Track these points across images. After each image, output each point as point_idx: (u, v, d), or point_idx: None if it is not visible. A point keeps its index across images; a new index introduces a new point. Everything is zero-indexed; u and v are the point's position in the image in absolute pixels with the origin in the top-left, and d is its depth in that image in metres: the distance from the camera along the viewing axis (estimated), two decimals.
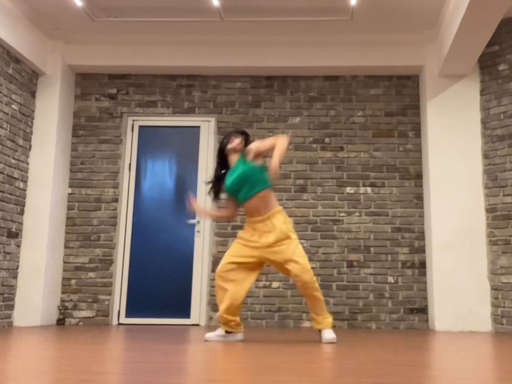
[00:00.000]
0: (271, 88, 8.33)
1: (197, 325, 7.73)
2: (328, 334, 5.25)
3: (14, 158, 7.36)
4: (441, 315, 7.28)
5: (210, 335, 5.39)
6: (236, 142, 5.47)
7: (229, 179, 5.40)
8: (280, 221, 5.29)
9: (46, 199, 7.66)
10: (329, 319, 5.36)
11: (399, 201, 7.94)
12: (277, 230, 5.23)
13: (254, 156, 5.33)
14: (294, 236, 5.30)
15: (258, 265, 5.44)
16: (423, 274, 7.73)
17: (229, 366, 3.33)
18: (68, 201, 8.08)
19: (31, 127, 7.77)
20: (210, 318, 7.65)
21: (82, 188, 8.09)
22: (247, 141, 5.56)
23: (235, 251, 5.42)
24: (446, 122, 7.73)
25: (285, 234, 5.23)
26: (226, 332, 5.38)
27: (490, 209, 7.37)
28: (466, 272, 7.35)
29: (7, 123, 7.20)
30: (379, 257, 7.81)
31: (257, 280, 7.28)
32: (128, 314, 7.85)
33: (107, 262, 7.90)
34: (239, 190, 5.37)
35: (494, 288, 7.20)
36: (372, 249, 7.84)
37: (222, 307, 5.28)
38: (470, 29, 6.68)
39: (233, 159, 5.47)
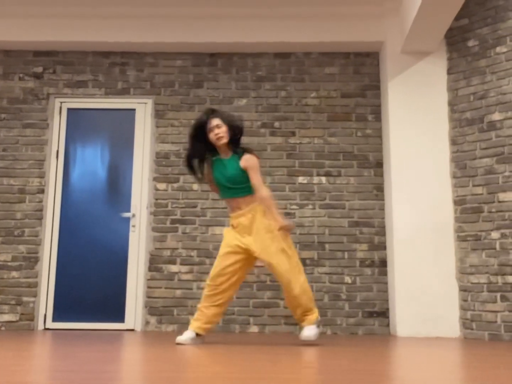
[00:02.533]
0: (215, 67, 7.84)
1: (132, 330, 7.24)
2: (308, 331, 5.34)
3: None
4: (404, 319, 6.87)
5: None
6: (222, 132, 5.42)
7: (223, 174, 5.44)
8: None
9: None
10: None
11: (357, 192, 7.48)
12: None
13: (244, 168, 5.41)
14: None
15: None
16: (384, 273, 7.30)
17: (169, 375, 3.20)
18: None
19: None
20: (147, 323, 7.21)
21: (3, 177, 7.53)
22: (235, 133, 5.50)
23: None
24: (409, 105, 7.29)
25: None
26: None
27: (458, 201, 6.98)
28: (432, 272, 6.94)
29: None
30: (334, 255, 7.34)
31: (199, 280, 7.22)
32: (56, 318, 7.31)
33: (32, 260, 7.36)
34: (228, 187, 5.44)
35: (463, 289, 6.82)
36: (327, 245, 7.37)
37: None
38: (436, 0, 6.31)
39: (221, 149, 5.49)
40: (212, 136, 5.35)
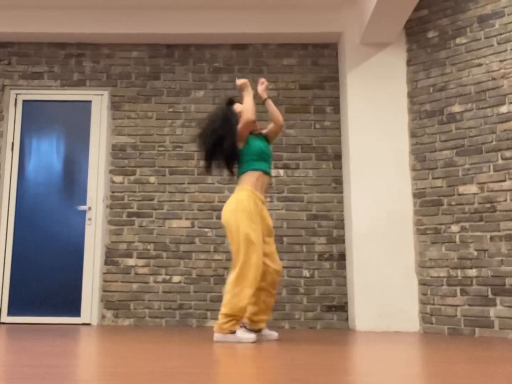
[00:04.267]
0: (172, 58, 7.75)
1: (88, 324, 7.18)
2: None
3: None
4: (363, 313, 6.83)
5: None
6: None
7: (265, 145, 5.36)
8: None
9: None
10: None
11: (315, 185, 7.41)
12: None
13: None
14: None
15: None
16: (343, 267, 7.26)
17: (125, 370, 3.14)
18: None
19: None
20: (103, 317, 7.16)
21: None
22: None
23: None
24: (368, 96, 7.23)
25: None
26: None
27: (417, 194, 6.94)
28: (391, 265, 6.90)
29: None
30: (293, 248, 7.28)
31: (156, 274, 7.18)
32: (11, 312, 7.24)
33: None
34: (266, 159, 5.30)
35: (422, 283, 6.78)
36: (285, 239, 7.29)
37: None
38: None
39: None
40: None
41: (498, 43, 6.46)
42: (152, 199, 7.31)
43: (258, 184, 5.14)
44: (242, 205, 4.98)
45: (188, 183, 7.37)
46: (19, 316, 7.18)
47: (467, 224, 6.44)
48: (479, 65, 6.57)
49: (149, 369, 3.20)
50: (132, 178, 7.37)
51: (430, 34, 6.99)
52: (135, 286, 7.13)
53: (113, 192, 7.34)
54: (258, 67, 7.67)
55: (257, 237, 4.93)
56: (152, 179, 7.33)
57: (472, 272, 6.35)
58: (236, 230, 4.94)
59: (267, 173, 5.23)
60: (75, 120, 7.65)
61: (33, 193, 7.46)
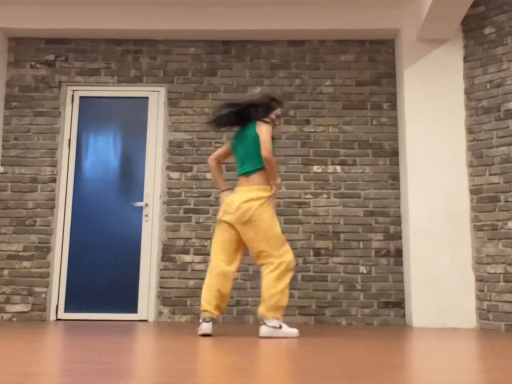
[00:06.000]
0: (229, 54, 7.89)
1: (145, 320, 7.28)
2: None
3: None
4: (420, 310, 6.92)
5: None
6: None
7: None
8: None
9: None
10: None
11: (372, 182, 7.51)
12: None
13: None
14: None
15: None
16: (400, 263, 7.35)
17: (182, 367, 3.17)
18: (0, 181, 7.58)
19: None
20: (160, 313, 7.24)
21: (15, 166, 7.59)
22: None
23: None
24: (425, 93, 7.33)
25: None
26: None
27: (474, 190, 7.02)
28: (448, 262, 6.99)
29: None
30: (349, 245, 7.39)
31: None
32: (68, 308, 7.38)
33: (44, 250, 7.40)
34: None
35: (479, 280, 6.86)
36: (342, 235, 7.41)
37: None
38: None
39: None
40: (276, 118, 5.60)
41: None
42: (209, 196, 7.42)
43: None
44: (269, 202, 5.32)
45: None
46: (76, 313, 7.29)
47: None
48: None
49: (205, 365, 3.27)
50: (189, 174, 7.48)
51: (487, 31, 7.06)
52: (191, 282, 7.23)
53: (170, 188, 7.45)
54: (315, 64, 7.76)
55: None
56: (209, 175, 7.42)
57: None
58: (270, 226, 5.27)
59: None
60: (131, 117, 7.77)
61: (90, 190, 7.57)
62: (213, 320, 5.23)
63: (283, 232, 7.12)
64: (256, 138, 5.33)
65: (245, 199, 5.25)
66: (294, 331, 5.17)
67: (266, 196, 5.29)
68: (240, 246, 5.40)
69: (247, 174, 5.39)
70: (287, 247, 5.27)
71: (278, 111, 5.60)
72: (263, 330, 5.11)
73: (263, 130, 5.25)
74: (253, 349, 4.21)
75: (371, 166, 7.55)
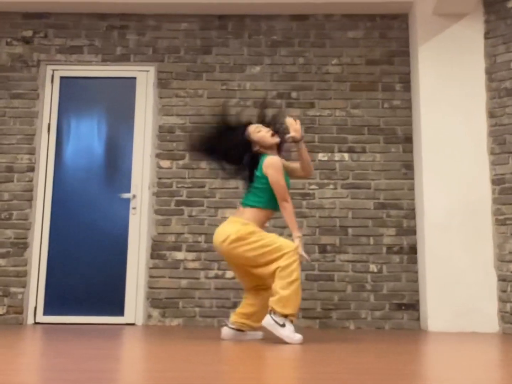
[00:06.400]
0: (225, 30, 7.71)
1: (133, 324, 7.10)
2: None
3: None
4: (436, 312, 6.72)
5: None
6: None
7: (287, 179, 5.37)
8: None
9: None
10: None
11: (383, 171, 7.34)
12: None
13: None
14: None
15: None
16: (414, 261, 7.16)
17: (173, 375, 3.13)
18: None
19: None
20: (149, 316, 7.06)
21: None
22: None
23: None
24: (442, 73, 7.15)
25: None
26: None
27: (496, 181, 6.85)
28: (467, 259, 6.77)
29: None
30: (358, 240, 7.20)
31: (208, 269, 7.14)
32: (47, 311, 7.18)
33: (21, 246, 7.21)
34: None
35: (501, 279, 6.65)
36: (350, 230, 7.22)
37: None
38: None
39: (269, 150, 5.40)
40: (262, 134, 5.31)
41: None
42: (203, 186, 7.21)
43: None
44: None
45: None
46: (56, 316, 7.12)
47: None
48: None
49: (199, 373, 3.19)
50: (181, 163, 7.28)
51: (511, 4, 6.91)
52: (184, 282, 7.03)
53: (160, 178, 7.25)
54: (320, 40, 7.59)
55: None
56: (203, 164, 7.22)
57: None
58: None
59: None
60: (118, 99, 7.61)
61: (72, 180, 7.39)
62: None
63: (284, 227, 7.08)
64: (261, 178, 5.24)
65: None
66: (297, 337, 4.98)
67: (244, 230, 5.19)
68: None
69: (243, 205, 5.37)
70: (284, 248, 5.06)
71: (262, 129, 5.35)
72: (266, 319, 5.01)
73: (269, 171, 5.17)
74: (254, 356, 4.14)
75: (382, 153, 7.38)
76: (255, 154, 5.29)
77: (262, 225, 5.25)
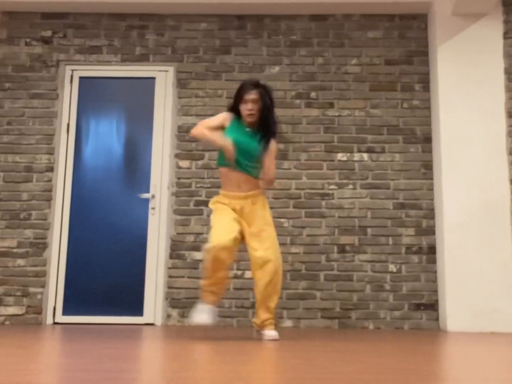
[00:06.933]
0: (244, 30, 7.72)
1: (152, 324, 7.12)
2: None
3: None
4: (455, 312, 6.72)
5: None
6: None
7: (246, 140, 5.28)
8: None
9: None
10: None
11: (402, 171, 7.35)
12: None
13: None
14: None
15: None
16: (433, 261, 7.16)
17: (192, 376, 3.03)
18: None
19: None
20: (168, 316, 7.06)
21: (8, 154, 7.42)
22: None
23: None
24: (461, 73, 7.17)
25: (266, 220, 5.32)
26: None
27: None
28: (487, 259, 6.78)
29: None
30: (377, 240, 7.22)
31: None
32: (66, 311, 7.20)
33: (40, 246, 7.22)
34: (246, 157, 5.26)
35: None
36: (369, 230, 7.24)
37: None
38: None
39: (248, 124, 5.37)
40: (243, 108, 5.25)
41: None
42: (221, 186, 7.19)
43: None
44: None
45: None
46: (75, 316, 7.15)
47: None
48: None
49: (215, 373, 3.14)
50: (200, 162, 7.29)
51: None
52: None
53: (179, 178, 7.25)
54: (339, 40, 7.60)
55: None
56: None
57: None
58: None
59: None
60: (137, 99, 7.64)
61: (91, 180, 7.43)
62: None
63: (303, 227, 7.18)
64: None
65: None
66: (196, 318, 5.19)
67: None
68: None
69: None
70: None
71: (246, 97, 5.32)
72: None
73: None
74: (270, 355, 4.09)
75: (401, 153, 7.39)
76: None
77: (229, 186, 5.26)
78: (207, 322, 5.04)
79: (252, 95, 5.18)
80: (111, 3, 7.49)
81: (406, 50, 7.59)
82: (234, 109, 5.31)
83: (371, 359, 3.82)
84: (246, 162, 5.20)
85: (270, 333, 5.09)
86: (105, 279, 7.23)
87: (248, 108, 5.19)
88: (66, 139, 7.50)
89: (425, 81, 7.52)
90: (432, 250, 7.15)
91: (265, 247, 5.11)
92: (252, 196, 5.21)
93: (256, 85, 5.28)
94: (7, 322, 7.05)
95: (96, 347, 4.46)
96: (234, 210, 5.17)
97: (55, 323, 7.14)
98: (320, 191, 7.27)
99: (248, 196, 5.20)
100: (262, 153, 5.21)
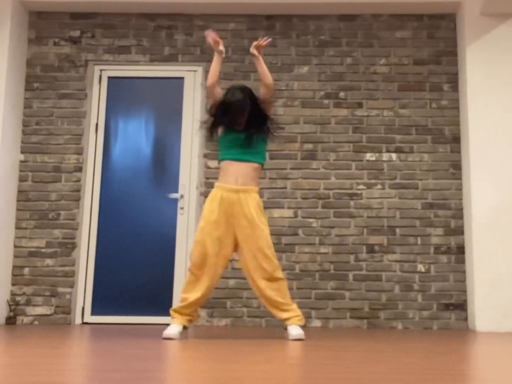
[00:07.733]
0: (273, 30, 7.65)
1: None
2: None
3: None
4: (484, 313, 6.74)
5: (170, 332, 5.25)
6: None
7: (234, 133, 5.42)
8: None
9: None
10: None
11: (431, 171, 7.34)
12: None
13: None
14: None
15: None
16: (462, 261, 7.17)
17: (221, 375, 3.05)
18: (20, 171, 7.45)
19: None
20: (198, 316, 6.85)
21: (37, 154, 7.45)
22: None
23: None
24: (490, 72, 7.16)
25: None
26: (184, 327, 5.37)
27: None
28: None
29: None
30: (406, 240, 7.22)
31: None
32: (95, 311, 7.28)
33: (69, 246, 7.28)
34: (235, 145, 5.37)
35: None
36: (397, 230, 7.24)
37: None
38: None
39: None
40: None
41: None
42: None
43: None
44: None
45: (291, 169, 7.30)
46: (104, 316, 7.20)
47: None
48: None
49: (243, 373, 3.17)
50: None
51: None
52: (232, 282, 7.04)
53: (207, 178, 7.23)
54: (368, 40, 7.58)
55: None
56: None
57: None
58: None
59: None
60: (165, 99, 7.64)
61: (119, 180, 7.45)
62: None
63: (332, 227, 7.23)
64: None
65: None
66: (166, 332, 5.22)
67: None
68: None
69: None
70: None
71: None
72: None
73: None
74: (298, 354, 4.12)
75: (430, 153, 7.37)
76: None
77: (226, 177, 5.30)
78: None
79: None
80: (139, 3, 7.48)
81: (435, 50, 7.56)
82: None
83: (399, 359, 3.88)
84: (247, 150, 5.31)
85: (294, 331, 5.10)
86: (134, 279, 7.25)
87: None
88: (94, 139, 7.51)
89: (454, 81, 7.48)
90: (460, 250, 7.14)
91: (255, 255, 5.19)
92: (244, 191, 5.22)
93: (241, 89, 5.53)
94: (36, 322, 7.08)
95: (124, 347, 4.54)
96: (225, 212, 5.19)
97: (83, 323, 7.19)
98: (349, 191, 7.28)
99: (239, 190, 5.21)
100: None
